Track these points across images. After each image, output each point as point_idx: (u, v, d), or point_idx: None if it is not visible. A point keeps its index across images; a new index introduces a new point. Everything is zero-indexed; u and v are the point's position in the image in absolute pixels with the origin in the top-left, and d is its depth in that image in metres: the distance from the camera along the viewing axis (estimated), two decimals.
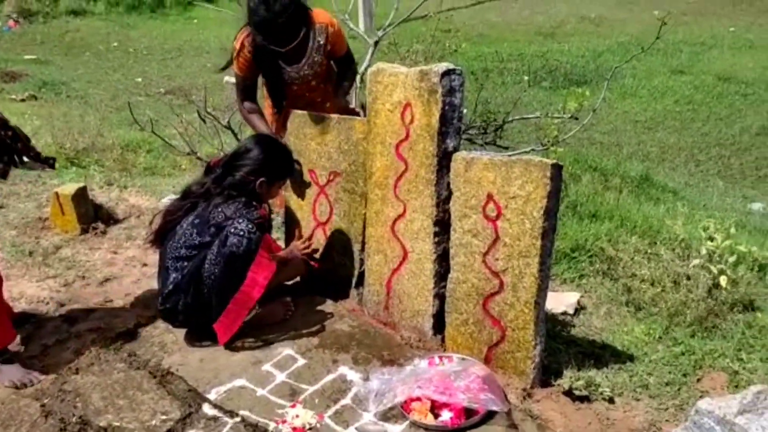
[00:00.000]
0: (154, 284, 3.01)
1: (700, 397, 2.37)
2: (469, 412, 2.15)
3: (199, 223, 2.52)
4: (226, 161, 2.61)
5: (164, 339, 2.62)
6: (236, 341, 2.56)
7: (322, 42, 2.89)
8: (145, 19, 11.48)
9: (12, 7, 11.32)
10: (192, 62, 9.31)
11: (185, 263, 2.50)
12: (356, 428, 2.14)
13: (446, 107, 2.32)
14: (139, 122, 4.27)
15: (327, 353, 2.50)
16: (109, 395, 2.30)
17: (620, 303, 3.00)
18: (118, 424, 2.17)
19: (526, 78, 7.60)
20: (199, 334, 2.59)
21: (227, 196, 2.53)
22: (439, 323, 2.54)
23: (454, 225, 2.40)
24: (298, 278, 2.96)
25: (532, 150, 3.81)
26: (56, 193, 3.52)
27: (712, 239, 2.97)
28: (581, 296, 3.03)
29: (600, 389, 2.33)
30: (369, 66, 3.62)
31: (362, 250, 2.80)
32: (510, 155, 2.51)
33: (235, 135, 3.98)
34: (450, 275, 2.45)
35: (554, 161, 2.14)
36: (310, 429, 2.14)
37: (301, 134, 2.90)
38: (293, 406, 2.22)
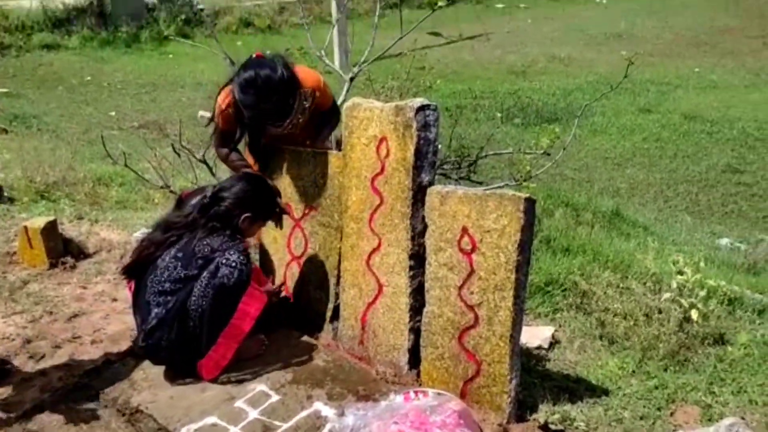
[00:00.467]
0: (124, 320, 2.96)
1: (674, 431, 2.38)
2: None
3: (183, 257, 2.48)
4: (213, 192, 2.59)
5: (133, 376, 2.55)
6: (221, 375, 2.51)
7: (307, 105, 2.82)
8: (120, 54, 11.47)
9: None
10: (166, 97, 9.30)
11: (169, 297, 2.45)
12: None
13: (421, 142, 2.35)
14: (112, 156, 4.23)
15: (301, 389, 2.46)
16: None
17: (594, 337, 3.02)
18: None
19: (498, 115, 7.74)
20: (181, 371, 2.53)
21: (211, 229, 2.51)
22: (414, 358, 2.52)
23: (429, 258, 2.40)
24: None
25: (506, 185, 3.86)
26: (25, 227, 3.46)
27: (682, 273, 3.02)
28: (555, 330, 3.05)
29: (575, 423, 2.33)
30: (344, 101, 3.66)
31: (337, 284, 2.78)
32: (484, 190, 2.53)
33: (210, 169, 3.97)
34: (425, 309, 2.45)
35: (528, 195, 2.17)
36: None
37: (276, 168, 2.90)
38: None
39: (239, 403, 2.38)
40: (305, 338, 2.80)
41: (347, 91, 4.25)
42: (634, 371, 2.75)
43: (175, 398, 2.42)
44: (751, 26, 13.08)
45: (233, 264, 2.41)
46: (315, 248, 2.86)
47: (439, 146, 2.67)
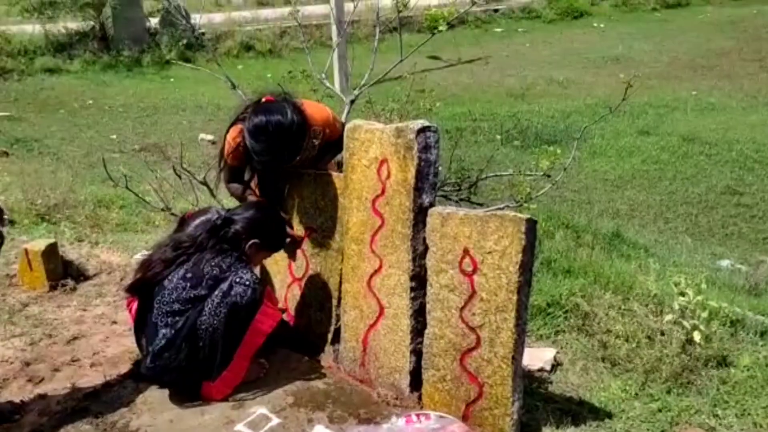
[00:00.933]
0: (124, 342, 2.94)
1: None
2: None
3: (192, 277, 2.48)
4: (225, 217, 2.61)
5: (133, 399, 2.54)
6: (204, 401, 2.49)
7: (316, 143, 2.80)
8: (122, 77, 11.54)
9: None
10: (168, 120, 9.34)
11: (177, 318, 2.45)
12: None
13: (422, 163, 2.36)
14: (113, 178, 4.24)
15: (302, 412, 2.44)
16: None
17: (596, 359, 3.00)
18: None
19: (498, 137, 7.76)
20: (185, 393, 2.51)
21: (219, 250, 2.51)
22: (416, 380, 2.50)
23: (430, 280, 2.40)
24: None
25: (506, 207, 3.85)
26: (25, 250, 3.46)
27: (684, 295, 3.01)
28: (557, 352, 3.03)
29: None
30: (345, 123, 3.67)
31: (338, 305, 2.77)
32: (485, 211, 2.54)
33: (211, 191, 3.97)
34: (427, 331, 2.44)
35: (529, 216, 2.17)
36: None
37: (278, 191, 2.91)
38: None
39: (239, 427, 2.36)
40: (306, 360, 2.79)
41: (347, 113, 4.28)
42: (637, 394, 2.73)
43: (175, 422, 2.40)
44: (747, 49, 13.19)
45: (246, 282, 2.42)
46: (316, 270, 2.86)
47: (440, 168, 2.67)
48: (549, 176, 3.97)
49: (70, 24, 12.78)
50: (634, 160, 7.79)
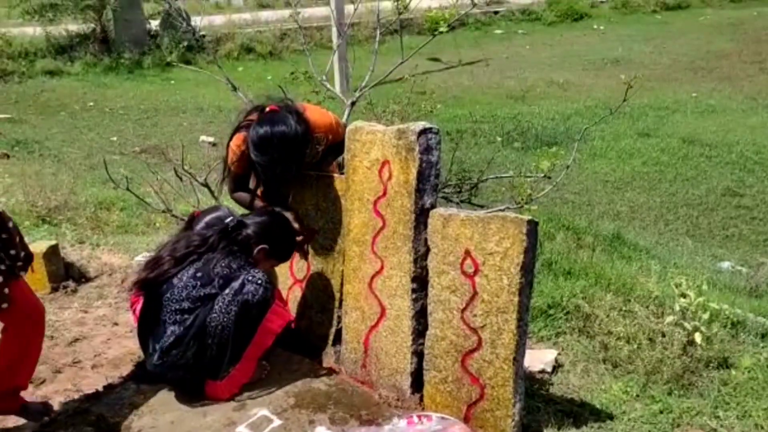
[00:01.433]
0: (125, 344, 2.95)
1: None
2: None
3: (202, 276, 2.49)
4: (239, 220, 2.62)
5: (135, 401, 2.54)
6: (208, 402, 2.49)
7: (320, 149, 2.80)
8: (122, 79, 11.55)
9: None
10: (168, 122, 9.35)
11: (187, 316, 2.46)
12: None
13: (423, 165, 2.36)
14: (114, 180, 4.25)
15: (303, 413, 2.44)
16: None
17: (597, 360, 3.00)
18: None
19: (499, 139, 7.77)
20: (190, 391, 2.52)
21: (229, 252, 2.53)
22: (417, 381, 2.51)
23: (431, 281, 2.40)
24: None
25: (507, 208, 3.86)
26: None
27: (685, 296, 3.01)
28: (558, 354, 3.03)
29: None
30: (346, 125, 3.68)
31: (339, 307, 2.78)
32: (486, 213, 2.54)
33: (212, 193, 3.98)
34: (428, 332, 2.44)
35: (530, 218, 2.18)
36: None
37: (283, 196, 2.91)
38: None
39: (241, 428, 2.36)
40: (307, 362, 2.79)
41: (348, 115, 4.28)
42: (638, 395, 2.73)
43: (176, 423, 2.40)
44: (747, 51, 13.21)
45: (259, 281, 2.44)
46: (317, 271, 2.86)
47: (441, 169, 2.67)
48: (549, 178, 3.97)
49: (70, 26, 12.80)
50: (635, 162, 7.79)
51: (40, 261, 3.42)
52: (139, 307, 2.62)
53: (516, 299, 2.19)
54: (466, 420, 2.36)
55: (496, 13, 16.49)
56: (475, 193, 4.45)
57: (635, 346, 3.00)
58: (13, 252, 2.18)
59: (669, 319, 3.01)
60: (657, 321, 3.14)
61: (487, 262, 2.23)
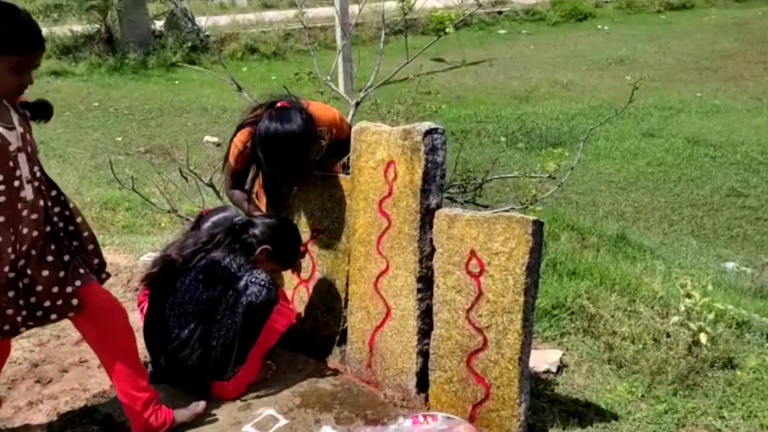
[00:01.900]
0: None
1: None
2: None
3: (204, 279, 2.50)
4: (247, 219, 2.63)
5: None
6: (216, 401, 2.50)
7: (324, 143, 2.80)
8: (127, 80, 11.58)
9: None
10: (173, 122, 9.37)
11: (191, 318, 2.47)
12: None
13: (429, 165, 2.37)
14: (119, 180, 4.27)
15: (309, 413, 2.45)
16: None
17: (602, 361, 3.00)
18: None
19: (503, 139, 7.75)
20: (195, 392, 2.52)
21: (231, 250, 2.53)
22: (422, 381, 2.51)
23: (437, 281, 2.41)
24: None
25: (512, 209, 3.86)
26: None
27: (690, 297, 3.01)
28: (563, 354, 3.03)
29: None
30: (351, 125, 3.69)
31: (345, 307, 2.78)
32: (491, 213, 2.55)
33: (217, 193, 3.99)
34: (433, 332, 2.44)
35: (536, 218, 2.18)
36: None
37: (284, 192, 2.92)
38: None
39: (247, 428, 2.37)
40: (313, 362, 2.79)
41: (353, 116, 4.29)
42: (643, 395, 2.73)
43: (182, 422, 2.40)
44: (752, 51, 13.17)
45: (262, 282, 2.44)
46: (322, 271, 2.87)
47: (445, 170, 2.67)
48: (554, 178, 3.98)
49: (75, 27, 12.83)
50: (639, 162, 7.78)
51: None
52: (146, 305, 2.64)
53: (521, 299, 2.19)
54: (471, 420, 2.36)
55: (500, 13, 16.47)
56: (480, 194, 4.45)
57: (640, 347, 3.00)
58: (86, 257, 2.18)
59: (674, 319, 3.02)
60: (662, 321, 3.13)
61: (493, 262, 2.24)
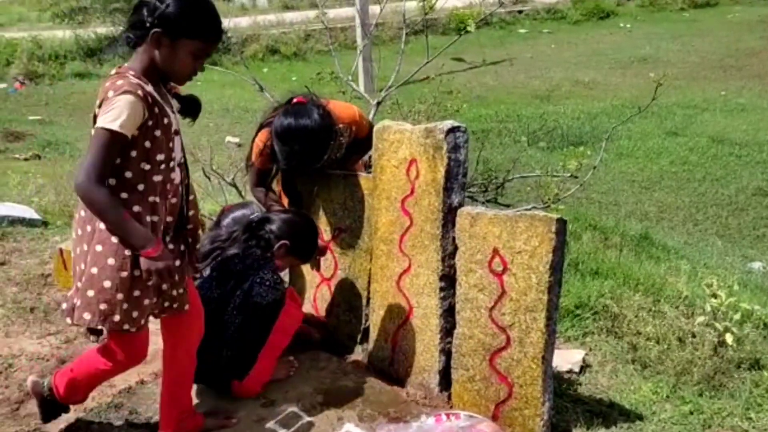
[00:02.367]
0: (156, 340, 2.96)
1: None
2: None
3: (217, 276, 2.52)
4: (264, 215, 2.65)
5: None
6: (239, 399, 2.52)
7: (344, 141, 2.81)
8: None
9: (19, 69, 11.58)
10: (195, 122, 9.46)
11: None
12: None
13: (451, 163, 2.36)
14: None
15: (332, 410, 2.46)
16: None
17: (626, 361, 2.98)
18: None
19: (524, 138, 7.72)
20: (217, 390, 2.56)
21: (247, 247, 2.55)
22: (445, 380, 2.51)
23: (459, 280, 2.40)
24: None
25: (534, 208, 3.84)
26: (60, 249, 3.52)
27: (715, 297, 2.97)
28: (586, 354, 3.01)
29: None
30: (372, 124, 3.69)
31: (367, 305, 2.79)
32: (514, 212, 2.54)
33: (240, 192, 4.03)
34: (456, 330, 2.44)
35: (559, 216, 2.17)
36: None
37: (306, 191, 2.94)
38: None
39: (270, 425, 2.39)
40: (335, 360, 2.80)
41: (374, 115, 4.30)
42: (668, 396, 2.70)
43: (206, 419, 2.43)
44: None
45: (267, 283, 2.44)
46: (345, 270, 2.88)
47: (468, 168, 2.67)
48: (576, 177, 3.95)
49: (99, 29, 13.02)
50: (663, 162, 7.70)
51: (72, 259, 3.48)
52: None
53: (545, 298, 2.18)
54: (494, 419, 2.36)
55: (520, 12, 16.41)
56: (501, 193, 4.44)
57: (665, 347, 2.97)
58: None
59: (700, 319, 2.98)
60: (687, 321, 3.10)
61: (516, 260, 2.23)
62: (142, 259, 1.90)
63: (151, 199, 1.96)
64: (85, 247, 1.96)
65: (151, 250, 1.90)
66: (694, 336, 2.98)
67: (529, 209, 3.74)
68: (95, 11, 12.74)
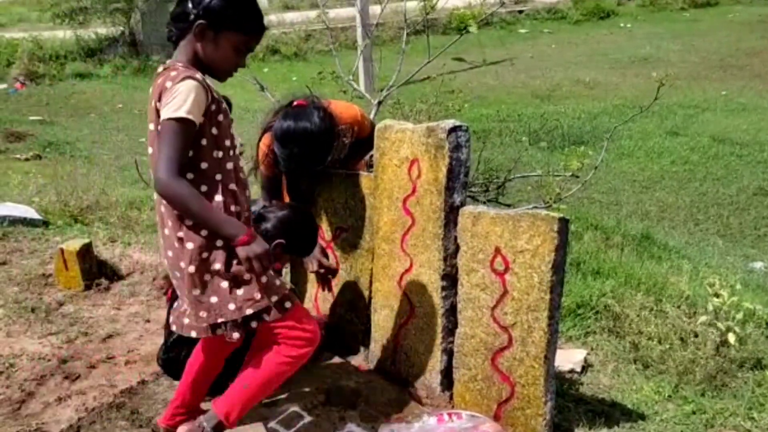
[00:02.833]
0: (158, 340, 2.98)
1: None
2: None
3: None
4: (258, 213, 2.63)
5: (168, 396, 2.57)
6: None
7: (347, 141, 2.80)
8: (150, 81, 11.71)
9: (20, 69, 11.57)
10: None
11: None
12: None
13: (453, 162, 2.36)
14: (145, 180, 4.31)
15: (334, 410, 2.46)
16: None
17: (628, 361, 2.97)
18: None
19: (525, 138, 7.71)
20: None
21: None
22: (447, 379, 2.51)
23: (461, 279, 2.40)
24: None
25: (535, 207, 3.84)
26: (61, 249, 3.53)
27: (717, 296, 2.97)
28: (588, 354, 3.01)
29: None
30: (374, 123, 3.69)
31: (369, 305, 2.78)
32: (516, 211, 2.53)
33: None
34: (458, 330, 2.44)
35: (561, 215, 2.16)
36: None
37: (310, 192, 2.93)
38: None
39: (272, 424, 2.38)
40: (337, 359, 2.80)
41: (375, 115, 4.30)
42: (670, 396, 2.70)
43: None
44: None
45: None
46: (346, 270, 2.87)
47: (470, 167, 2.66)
48: (577, 177, 3.95)
49: (100, 29, 13.02)
50: (663, 161, 7.69)
51: (74, 259, 3.48)
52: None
53: (547, 297, 2.18)
54: (496, 418, 2.35)
55: (520, 12, 16.40)
56: (502, 193, 4.44)
57: (667, 346, 2.96)
58: None
59: (702, 319, 2.98)
60: (689, 321, 3.10)
61: (518, 259, 2.23)
62: (238, 249, 1.88)
63: (231, 187, 1.94)
64: (183, 264, 1.93)
65: (244, 237, 1.87)
66: (696, 336, 2.98)
67: (531, 209, 3.74)
68: (96, 11, 12.73)
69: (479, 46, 9.01)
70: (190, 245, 1.91)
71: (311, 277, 2.99)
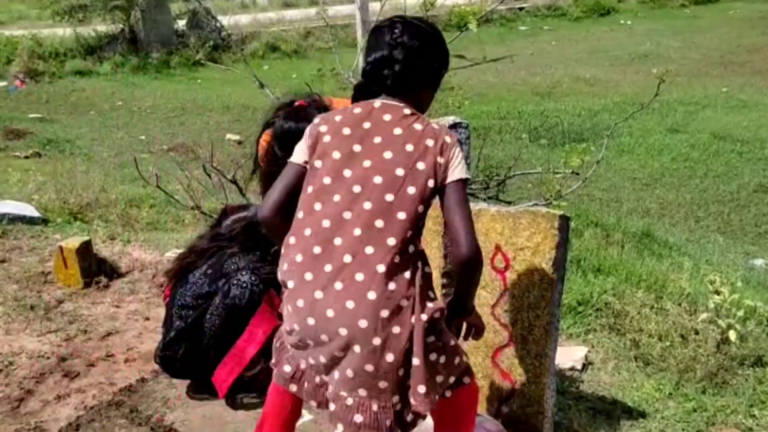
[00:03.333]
0: (157, 338, 2.97)
1: None
2: None
3: (211, 273, 2.52)
4: (255, 219, 2.63)
5: (167, 394, 2.57)
6: (239, 396, 2.51)
7: None
8: (150, 79, 11.70)
9: (20, 67, 11.56)
10: (195, 120, 9.45)
11: (190, 311, 2.49)
12: None
13: None
14: (144, 177, 4.31)
15: None
16: None
17: (628, 358, 2.97)
18: None
19: (525, 135, 7.71)
20: (199, 385, 2.55)
21: (244, 247, 2.53)
22: None
23: None
24: None
25: (535, 205, 3.83)
26: (60, 247, 3.52)
27: (718, 293, 2.96)
28: (588, 351, 3.00)
29: None
30: None
31: None
32: (516, 209, 2.52)
33: (240, 190, 4.01)
34: None
35: (562, 213, 2.15)
36: None
37: None
38: None
39: None
40: None
41: None
42: (671, 393, 2.69)
43: (208, 417, 2.43)
44: None
45: (244, 284, 2.43)
46: None
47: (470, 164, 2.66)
48: (577, 174, 3.94)
49: (99, 27, 13.01)
50: (664, 158, 7.69)
51: (74, 257, 3.47)
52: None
53: (547, 295, 2.17)
54: (497, 416, 2.35)
55: (521, 9, 16.37)
56: (503, 190, 4.43)
57: (668, 344, 2.96)
58: None
59: (702, 316, 2.97)
60: (690, 318, 3.09)
61: (518, 257, 2.22)
62: (468, 318, 1.86)
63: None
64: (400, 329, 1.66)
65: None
66: (696, 333, 2.97)
67: (531, 206, 3.74)
68: (95, 9, 12.71)
69: (479, 43, 8.98)
70: (424, 317, 1.69)
71: None
